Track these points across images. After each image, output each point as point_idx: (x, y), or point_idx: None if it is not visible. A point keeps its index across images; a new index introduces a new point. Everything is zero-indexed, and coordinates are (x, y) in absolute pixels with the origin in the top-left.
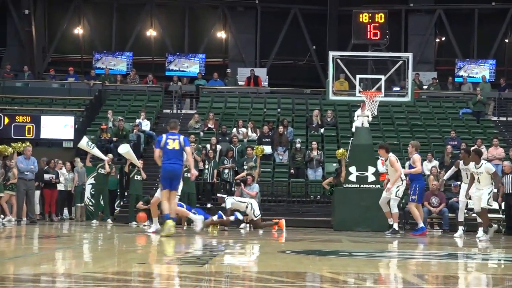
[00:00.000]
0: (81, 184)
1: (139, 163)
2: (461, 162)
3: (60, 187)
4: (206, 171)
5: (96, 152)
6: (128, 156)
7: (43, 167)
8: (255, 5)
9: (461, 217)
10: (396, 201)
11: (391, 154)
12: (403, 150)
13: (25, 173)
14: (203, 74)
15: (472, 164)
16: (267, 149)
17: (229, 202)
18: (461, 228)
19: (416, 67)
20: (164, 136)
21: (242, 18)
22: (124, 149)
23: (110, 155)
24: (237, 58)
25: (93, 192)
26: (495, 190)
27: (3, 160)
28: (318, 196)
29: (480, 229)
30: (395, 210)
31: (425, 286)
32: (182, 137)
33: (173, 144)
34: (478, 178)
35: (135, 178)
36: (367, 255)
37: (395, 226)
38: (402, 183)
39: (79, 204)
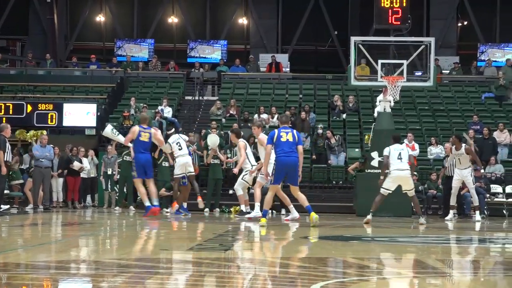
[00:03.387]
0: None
1: (124, 141)
2: (453, 147)
3: (83, 174)
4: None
5: (121, 139)
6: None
7: (67, 154)
8: None
9: (453, 201)
10: (242, 184)
11: (241, 139)
12: (426, 135)
13: (41, 160)
14: (225, 60)
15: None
16: None
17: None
18: (452, 212)
19: (438, 52)
20: (276, 131)
21: (263, 4)
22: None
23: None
24: (258, 44)
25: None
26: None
27: (19, 147)
28: (340, 182)
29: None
30: (240, 192)
31: (447, 270)
32: (295, 131)
33: (286, 136)
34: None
35: (163, 164)
36: (390, 240)
37: (243, 208)
38: (252, 168)
39: (108, 191)
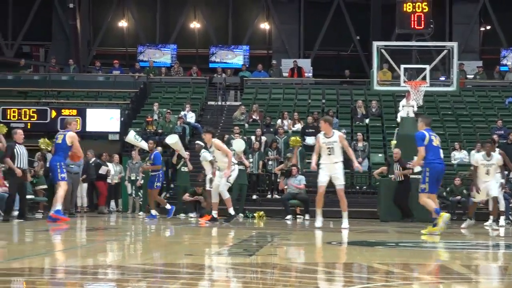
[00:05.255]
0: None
1: (186, 154)
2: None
3: (108, 179)
4: (251, 163)
5: (144, 145)
6: (175, 147)
7: (90, 159)
8: None
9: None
10: (227, 186)
11: (214, 139)
12: (449, 140)
13: (71, 166)
14: (247, 65)
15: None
16: (310, 140)
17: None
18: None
19: (461, 56)
20: (426, 133)
21: (285, 9)
22: (172, 139)
23: (159, 148)
24: (281, 49)
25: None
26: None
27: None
28: (364, 187)
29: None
30: (226, 195)
31: (473, 276)
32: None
33: (436, 141)
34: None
35: (182, 169)
36: (414, 245)
37: (231, 210)
38: (234, 168)
39: (132, 196)
